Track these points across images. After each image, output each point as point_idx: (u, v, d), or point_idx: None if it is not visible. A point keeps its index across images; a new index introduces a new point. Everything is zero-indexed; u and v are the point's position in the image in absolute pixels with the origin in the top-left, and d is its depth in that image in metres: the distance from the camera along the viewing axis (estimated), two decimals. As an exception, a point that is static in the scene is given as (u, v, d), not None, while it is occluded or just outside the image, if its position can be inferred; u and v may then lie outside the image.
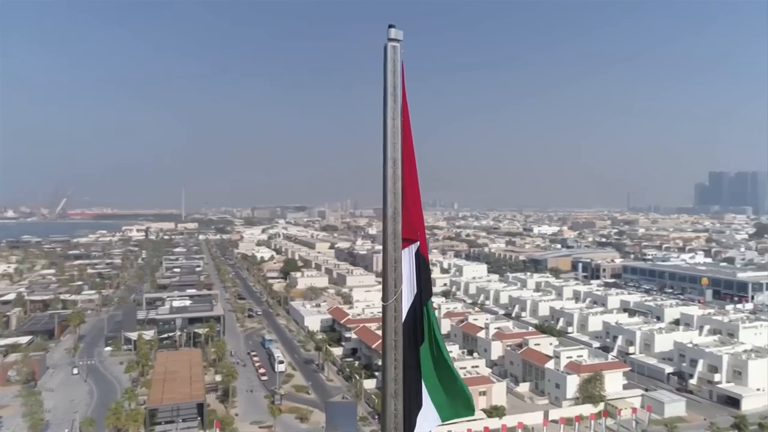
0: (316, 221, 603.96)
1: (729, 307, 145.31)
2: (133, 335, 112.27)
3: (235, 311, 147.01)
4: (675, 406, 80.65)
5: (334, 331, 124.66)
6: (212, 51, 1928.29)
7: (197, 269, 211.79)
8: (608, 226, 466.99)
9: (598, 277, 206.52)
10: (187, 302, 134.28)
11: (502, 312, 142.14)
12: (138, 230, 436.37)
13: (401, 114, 5.93)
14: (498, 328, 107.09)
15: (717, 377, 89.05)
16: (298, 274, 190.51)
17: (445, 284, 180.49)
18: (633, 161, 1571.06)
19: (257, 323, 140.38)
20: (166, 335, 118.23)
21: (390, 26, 5.75)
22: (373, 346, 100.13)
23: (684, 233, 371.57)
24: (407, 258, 6.17)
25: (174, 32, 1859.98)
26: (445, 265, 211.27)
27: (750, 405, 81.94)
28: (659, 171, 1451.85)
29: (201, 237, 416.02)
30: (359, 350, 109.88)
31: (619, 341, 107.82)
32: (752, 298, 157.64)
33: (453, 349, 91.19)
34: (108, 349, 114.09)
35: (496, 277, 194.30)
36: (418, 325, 6.25)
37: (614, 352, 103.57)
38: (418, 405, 6.28)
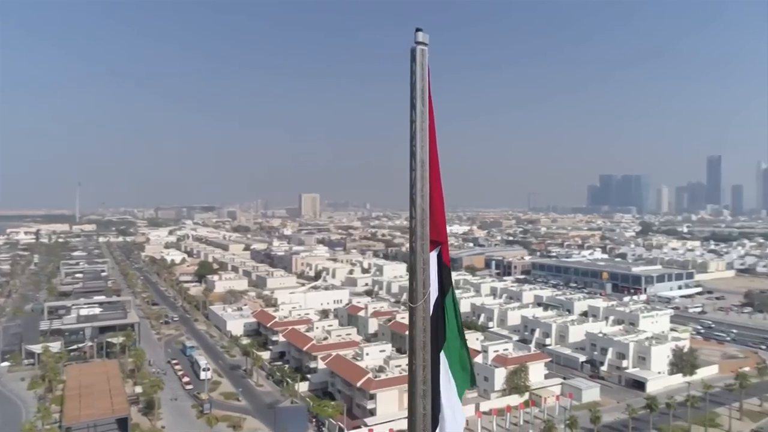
0: (226, 222, 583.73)
1: (626, 298, 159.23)
2: (37, 348, 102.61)
3: (148, 318, 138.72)
4: (591, 392, 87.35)
5: (259, 334, 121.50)
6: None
7: (102, 274, 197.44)
8: (513, 225, 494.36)
9: (510, 274, 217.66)
10: (97, 310, 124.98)
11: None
12: (26, 233, 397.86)
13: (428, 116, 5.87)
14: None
15: (624, 363, 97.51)
16: (215, 277, 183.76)
17: (366, 284, 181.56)
18: (534, 163, 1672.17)
19: (174, 330, 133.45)
20: (74, 346, 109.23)
21: (417, 29, 5.66)
22: (304, 349, 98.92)
23: (581, 231, 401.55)
24: (432, 261, 6.08)
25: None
26: (365, 265, 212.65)
27: (653, 387, 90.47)
28: (557, 173, 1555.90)
29: (101, 239, 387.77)
30: (288, 353, 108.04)
31: (537, 334, 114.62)
32: (645, 290, 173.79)
33: (386, 348, 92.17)
34: (5, 364, 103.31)
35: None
36: (440, 326, 6.32)
37: (533, 345, 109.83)
38: (439, 406, 6.38)
